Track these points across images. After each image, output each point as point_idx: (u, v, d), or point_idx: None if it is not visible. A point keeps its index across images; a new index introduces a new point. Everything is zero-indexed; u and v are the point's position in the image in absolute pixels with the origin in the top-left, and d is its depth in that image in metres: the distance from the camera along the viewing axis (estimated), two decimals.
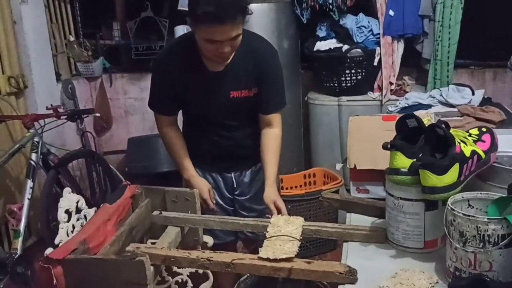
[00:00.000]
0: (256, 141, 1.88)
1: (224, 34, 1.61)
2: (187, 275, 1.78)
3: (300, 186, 3.03)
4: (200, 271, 1.74)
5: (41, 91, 3.34)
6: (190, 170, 1.87)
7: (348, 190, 1.88)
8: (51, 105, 2.95)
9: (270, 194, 1.75)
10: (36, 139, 2.75)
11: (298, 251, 1.34)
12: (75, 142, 3.58)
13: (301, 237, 1.41)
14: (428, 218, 1.35)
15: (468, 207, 1.28)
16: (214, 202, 1.86)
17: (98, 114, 3.33)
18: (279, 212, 1.68)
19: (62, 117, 2.89)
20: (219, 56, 1.68)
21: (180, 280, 1.77)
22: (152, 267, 1.31)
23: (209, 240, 1.77)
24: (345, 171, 2.69)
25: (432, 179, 1.27)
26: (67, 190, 1.53)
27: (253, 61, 1.79)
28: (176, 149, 1.90)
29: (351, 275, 1.25)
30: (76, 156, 3.08)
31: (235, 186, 1.93)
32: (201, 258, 1.33)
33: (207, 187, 1.85)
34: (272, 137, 1.87)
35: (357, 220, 1.60)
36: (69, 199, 1.51)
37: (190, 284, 1.77)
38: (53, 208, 2.57)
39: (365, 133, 1.82)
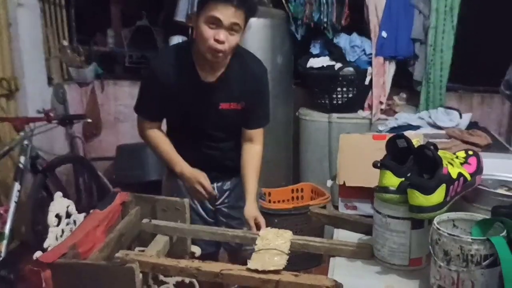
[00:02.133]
0: (239, 153, 1.93)
1: (226, 15, 1.66)
2: (173, 284, 1.78)
3: (288, 200, 3.06)
4: (187, 280, 1.75)
5: (32, 94, 3.34)
6: (181, 162, 1.88)
7: (336, 207, 1.91)
8: (43, 109, 2.95)
9: (251, 210, 1.78)
10: (25, 142, 2.74)
11: (286, 264, 1.36)
12: (63, 147, 3.58)
13: (289, 251, 1.43)
14: (414, 236, 1.38)
15: (453, 227, 1.31)
16: (211, 187, 1.88)
17: (89, 120, 3.33)
18: (258, 228, 1.70)
19: (53, 122, 2.89)
20: (214, 49, 1.70)
21: None
22: (140, 275, 1.32)
23: (196, 250, 1.78)
24: (333, 188, 2.73)
25: (420, 199, 1.30)
26: (58, 194, 1.54)
27: (244, 77, 1.85)
28: (162, 146, 1.91)
29: None
30: (64, 161, 3.08)
31: (217, 196, 1.96)
32: (190, 267, 1.34)
33: (202, 173, 1.86)
34: (253, 155, 1.92)
35: (344, 236, 1.62)
36: (60, 203, 1.51)
37: None
38: (39, 212, 2.57)
39: (355, 151, 1.86)
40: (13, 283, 2.18)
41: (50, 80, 3.64)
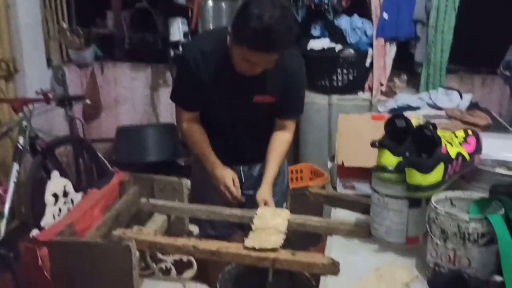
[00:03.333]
0: (266, 143, 1.89)
1: (264, 60, 1.61)
2: (171, 263, 1.78)
3: (288, 181, 3.05)
4: (185, 258, 1.75)
5: (31, 76, 3.32)
6: (213, 161, 1.83)
7: (334, 188, 1.91)
8: (41, 90, 2.93)
9: (263, 193, 1.76)
10: (24, 123, 2.74)
11: (283, 243, 1.36)
12: (63, 128, 3.56)
13: (286, 230, 1.43)
14: (411, 215, 1.38)
15: (450, 206, 1.31)
16: (239, 191, 1.81)
17: (88, 101, 3.32)
18: None
19: (52, 103, 2.87)
20: (250, 72, 1.67)
21: (164, 267, 1.78)
22: (137, 253, 1.32)
23: (194, 229, 1.78)
24: (333, 169, 2.72)
25: (417, 178, 1.29)
26: (55, 173, 1.54)
27: (281, 70, 1.76)
28: (199, 143, 1.85)
29: (334, 267, 1.28)
30: (64, 142, 3.07)
31: (243, 180, 1.91)
32: (187, 245, 1.34)
33: (230, 174, 1.81)
34: (282, 141, 1.88)
35: (342, 216, 1.63)
36: (57, 182, 1.51)
37: (174, 271, 1.77)
38: (38, 192, 2.57)
39: (354, 131, 1.85)
40: (12, 262, 2.19)
41: (49, 62, 3.61)
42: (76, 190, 1.63)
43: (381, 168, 1.37)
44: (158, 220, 1.58)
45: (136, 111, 3.96)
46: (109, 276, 1.27)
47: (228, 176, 1.79)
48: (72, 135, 3.26)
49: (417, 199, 1.37)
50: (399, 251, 1.39)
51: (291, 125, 1.90)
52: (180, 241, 1.36)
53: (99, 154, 3.29)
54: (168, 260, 1.77)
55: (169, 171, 2.93)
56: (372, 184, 1.45)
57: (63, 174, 2.86)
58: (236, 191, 1.78)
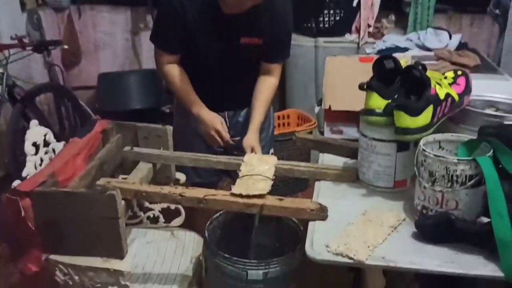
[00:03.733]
0: (253, 88, 1.84)
1: None
2: (159, 211, 1.78)
3: (274, 127, 3.03)
4: (172, 207, 1.75)
5: (5, 20, 3.17)
6: (198, 104, 1.78)
7: (322, 133, 1.88)
8: (16, 35, 2.80)
9: (250, 139, 1.73)
10: (0, 70, 2.63)
11: (270, 189, 1.35)
12: (42, 76, 3.46)
13: (273, 177, 1.42)
14: (399, 159, 1.37)
15: (439, 149, 1.29)
16: (228, 135, 1.77)
17: (66, 46, 3.19)
18: None
19: (27, 48, 2.76)
20: (238, 8, 1.61)
21: (152, 216, 1.78)
22: (123, 202, 1.30)
23: (181, 177, 1.76)
24: (320, 114, 2.70)
25: (406, 120, 1.27)
26: (34, 122, 1.48)
27: (269, 12, 1.70)
28: (181, 85, 1.78)
29: (322, 212, 1.27)
30: (43, 90, 2.98)
31: (228, 126, 1.86)
32: (173, 193, 1.32)
33: (219, 118, 1.77)
34: (267, 85, 1.83)
35: (329, 161, 1.61)
36: (36, 131, 1.46)
37: (161, 219, 1.78)
38: (20, 142, 2.51)
39: (341, 74, 1.80)
40: None
41: (23, 6, 3.44)
42: (59, 139, 1.59)
43: (369, 111, 1.35)
44: (143, 169, 1.55)
45: (117, 57, 3.84)
46: (95, 226, 1.26)
47: (217, 121, 1.75)
48: (51, 83, 3.16)
49: (405, 142, 1.35)
50: (386, 195, 1.39)
51: (277, 69, 1.84)
52: (166, 189, 1.34)
53: (81, 102, 3.21)
54: (156, 209, 1.77)
55: (154, 118, 2.88)
56: (359, 128, 1.42)
57: (44, 123, 2.80)
58: (226, 135, 1.75)
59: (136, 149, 1.62)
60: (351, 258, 1.12)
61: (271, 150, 1.98)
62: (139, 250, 1.64)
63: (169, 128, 1.67)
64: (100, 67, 3.82)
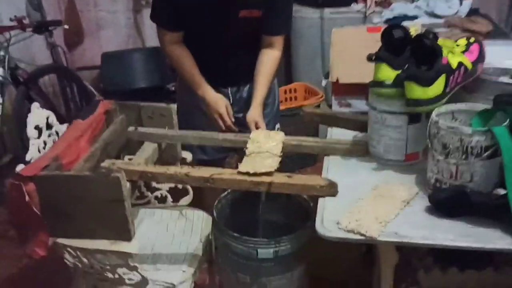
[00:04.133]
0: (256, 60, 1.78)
1: None
2: (167, 191, 1.76)
3: (281, 101, 2.98)
4: (180, 186, 1.73)
5: (3, 1, 3.11)
6: (204, 85, 1.74)
7: (330, 106, 1.84)
8: (15, 16, 2.75)
9: (253, 114, 1.68)
10: (1, 53, 2.60)
11: (278, 166, 1.32)
12: (45, 57, 3.41)
13: (281, 153, 1.38)
14: (410, 131, 1.33)
15: (452, 119, 1.25)
16: (233, 120, 1.73)
17: (66, 26, 3.13)
18: None
19: (27, 29, 2.71)
20: None
21: (159, 195, 1.76)
22: (128, 183, 1.28)
23: (187, 155, 1.73)
24: (327, 86, 2.64)
25: (417, 91, 1.22)
26: (35, 105, 1.45)
27: None
28: (186, 66, 1.75)
29: (331, 188, 1.24)
30: (46, 71, 2.94)
31: (231, 102, 1.83)
32: (179, 173, 1.30)
33: (224, 101, 1.73)
34: (270, 58, 1.77)
35: (338, 135, 1.58)
36: (38, 114, 1.43)
37: (169, 199, 1.76)
38: (25, 125, 2.50)
39: (348, 45, 1.75)
40: (3, 197, 2.16)
41: None
42: (65, 121, 1.56)
43: (378, 83, 1.30)
44: (148, 149, 1.52)
45: (120, 36, 3.77)
46: (100, 209, 1.23)
47: (221, 105, 1.71)
48: (54, 64, 3.12)
49: (416, 114, 1.31)
50: (398, 168, 1.35)
51: (279, 41, 1.78)
52: (172, 169, 1.31)
53: (85, 83, 3.18)
54: (164, 188, 1.75)
55: (159, 97, 2.84)
56: (369, 101, 1.38)
57: (49, 105, 2.79)
58: (230, 120, 1.70)
59: (140, 129, 1.59)
60: (362, 235, 1.09)
61: (277, 126, 1.94)
62: (148, 231, 1.62)
63: (173, 107, 1.63)
64: (103, 46, 3.76)
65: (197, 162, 1.85)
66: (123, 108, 1.66)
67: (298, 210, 1.54)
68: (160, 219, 1.68)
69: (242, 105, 1.82)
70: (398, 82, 1.26)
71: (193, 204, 1.75)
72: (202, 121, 1.75)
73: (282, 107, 2.78)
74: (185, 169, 1.31)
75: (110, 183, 1.20)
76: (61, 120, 1.53)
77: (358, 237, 1.10)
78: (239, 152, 1.72)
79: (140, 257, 1.47)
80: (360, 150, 1.44)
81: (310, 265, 1.49)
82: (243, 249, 1.35)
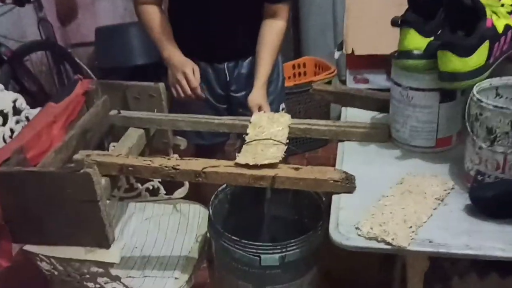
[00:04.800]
0: (257, 32, 1.55)
1: None
2: (159, 181, 1.56)
3: (289, 77, 2.75)
4: None
5: None
6: (171, 47, 1.51)
7: (343, 81, 1.61)
8: None
9: (257, 96, 1.45)
10: None
11: (283, 156, 1.10)
12: (37, 34, 3.19)
13: (287, 140, 1.16)
14: (442, 112, 1.10)
15: (496, 97, 1.02)
16: (202, 86, 1.50)
17: None
18: None
19: (7, 2, 2.49)
20: None
21: (151, 187, 1.55)
22: (104, 180, 1.08)
23: (181, 142, 1.52)
24: (340, 59, 2.38)
25: (454, 63, 0.99)
26: None
27: None
28: (155, 25, 1.52)
29: (348, 182, 1.02)
30: (32, 49, 2.73)
31: (228, 79, 1.61)
32: (166, 166, 1.09)
33: (192, 64, 1.48)
34: (274, 30, 1.53)
35: (354, 116, 1.35)
36: (1, 98, 1.22)
37: (162, 191, 1.55)
38: None
39: (366, 10, 1.50)
40: None
41: None
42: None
43: (404, 53, 1.06)
44: (133, 136, 1.31)
45: (116, 9, 3.53)
46: (72, 211, 1.04)
47: (188, 64, 1.45)
48: (41, 40, 2.90)
49: (450, 91, 1.08)
50: (427, 156, 1.13)
51: (283, 10, 1.54)
52: (157, 162, 1.10)
53: (77, 60, 2.96)
54: (156, 179, 1.55)
55: (159, 74, 2.60)
56: (392, 76, 1.15)
57: (37, 85, 2.58)
58: (194, 81, 1.44)
59: (124, 113, 1.38)
60: (388, 244, 0.88)
61: (282, 106, 1.71)
62: (137, 229, 1.43)
63: (162, 86, 1.41)
64: (98, 20, 3.52)
65: (195, 147, 1.64)
66: (105, 88, 1.45)
67: (309, 205, 1.33)
68: (151, 214, 1.48)
69: (241, 83, 1.59)
70: (429, 52, 1.03)
71: (190, 196, 1.54)
72: (198, 103, 1.52)
73: (289, 83, 2.56)
74: (172, 161, 1.10)
75: (80, 181, 0.99)
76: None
77: (382, 246, 0.89)
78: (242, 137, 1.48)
79: (127, 262, 1.29)
80: (381, 135, 1.21)
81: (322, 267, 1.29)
82: (243, 255, 1.14)
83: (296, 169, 1.06)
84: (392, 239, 0.88)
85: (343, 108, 1.41)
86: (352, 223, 0.93)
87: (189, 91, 1.44)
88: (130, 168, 1.10)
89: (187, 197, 1.54)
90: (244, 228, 1.29)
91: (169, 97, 1.47)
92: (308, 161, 2.60)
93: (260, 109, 1.39)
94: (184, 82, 1.44)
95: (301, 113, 2.48)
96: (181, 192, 1.53)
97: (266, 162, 1.06)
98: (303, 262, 1.17)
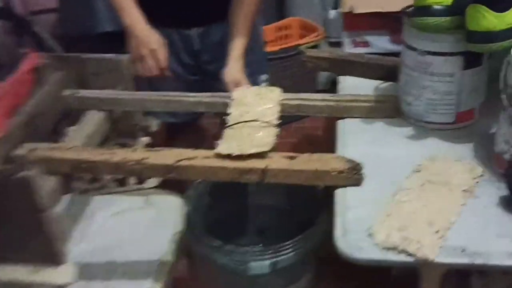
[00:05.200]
0: None
1: None
2: None
3: (272, 41, 2.51)
4: None
5: None
6: (133, 13, 1.27)
7: (332, 44, 1.41)
8: None
9: (233, 71, 1.24)
10: None
11: (275, 141, 0.90)
12: None
13: (279, 121, 0.96)
14: (466, 80, 0.91)
15: None
16: (167, 63, 1.27)
17: None
18: None
19: None
20: None
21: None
22: (52, 181, 0.87)
23: (152, 123, 1.30)
24: (330, 20, 2.15)
25: (489, 19, 0.79)
26: None
27: None
28: None
29: (355, 173, 0.83)
30: None
31: (197, 48, 1.38)
32: (130, 160, 0.88)
33: (160, 38, 1.25)
34: None
35: (353, 86, 1.16)
36: None
37: (132, 180, 1.34)
38: None
39: None
40: None
41: None
42: None
43: (422, 9, 0.86)
44: (92, 121, 1.09)
45: None
46: (13, 222, 0.83)
47: (155, 40, 1.24)
48: None
49: (477, 55, 0.88)
50: (445, 135, 0.95)
51: None
52: (120, 155, 0.89)
53: (36, 29, 2.67)
54: None
55: None
56: (404, 37, 0.95)
57: None
58: (164, 59, 1.24)
59: (81, 92, 1.15)
60: (410, 255, 0.70)
61: (262, 77, 1.47)
62: (103, 226, 1.22)
63: (126, 58, 1.18)
64: None
65: (166, 126, 1.41)
66: (58, 62, 1.21)
67: (302, 191, 1.14)
68: (119, 209, 1.26)
69: (213, 53, 1.34)
70: (454, 7, 0.82)
71: (164, 185, 1.33)
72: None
73: (272, 48, 2.33)
74: (138, 154, 0.89)
75: (19, 188, 0.78)
76: None
77: (403, 258, 0.70)
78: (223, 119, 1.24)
79: (88, 271, 1.08)
80: (388, 109, 1.02)
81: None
82: (228, 261, 0.95)
83: (291, 157, 0.87)
84: (417, 248, 0.70)
85: (340, 78, 1.20)
86: (364, 227, 0.75)
87: (155, 71, 1.23)
88: (84, 165, 0.89)
89: (162, 186, 1.33)
90: (227, 222, 1.10)
91: None
92: (292, 133, 2.38)
93: (238, 85, 1.18)
94: (150, 61, 1.23)
95: (287, 80, 2.27)
96: (153, 181, 1.32)
97: (254, 151, 0.86)
98: (297, 266, 0.99)
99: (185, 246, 1.20)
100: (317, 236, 0.99)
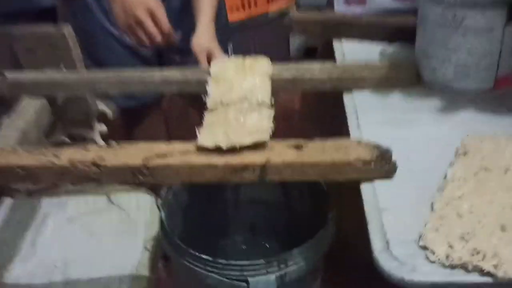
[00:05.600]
0: None
1: None
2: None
3: (238, 9, 2.27)
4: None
5: None
6: None
7: (300, 7, 1.20)
8: None
9: (202, 39, 1.01)
10: None
11: (272, 127, 0.69)
12: None
13: (273, 99, 0.75)
14: (508, 37, 0.72)
15: None
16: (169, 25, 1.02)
17: None
18: None
19: None
20: None
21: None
22: None
23: (108, 109, 1.06)
24: None
25: None
26: None
27: None
28: None
29: (384, 163, 0.64)
30: None
31: (176, 42, 1.11)
32: (82, 162, 0.65)
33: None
34: None
35: (354, 52, 0.95)
36: None
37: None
38: None
39: None
40: None
41: None
42: None
43: None
44: (28, 112, 0.85)
45: None
46: None
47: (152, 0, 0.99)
48: None
49: None
50: (484, 105, 0.76)
51: None
52: (66, 155, 0.66)
53: None
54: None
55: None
56: None
57: None
58: (165, 20, 1.00)
59: (12, 75, 0.89)
60: (486, 273, 0.51)
61: (230, 46, 1.26)
62: (57, 235, 0.99)
63: (69, 30, 0.94)
64: None
65: (120, 111, 1.16)
66: None
67: (300, 183, 0.94)
68: (75, 213, 1.03)
69: (174, 21, 1.09)
70: None
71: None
72: (117, 52, 1.05)
73: (241, 15, 2.10)
74: (92, 153, 0.66)
75: None
76: None
77: (477, 278, 0.51)
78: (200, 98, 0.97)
79: None
80: (406, 77, 0.83)
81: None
82: (220, 279, 0.74)
83: (298, 147, 0.66)
84: (494, 265, 0.51)
85: (336, 43, 0.99)
86: (411, 236, 0.55)
87: (158, 37, 0.98)
88: (20, 172, 0.65)
89: None
90: (210, 220, 0.89)
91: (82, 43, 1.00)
92: None
93: (208, 54, 0.96)
94: (151, 25, 0.97)
95: (254, 53, 2.05)
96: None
97: (247, 142, 0.65)
98: (308, 276, 0.80)
99: (163, 253, 0.99)
100: (327, 238, 0.80)
